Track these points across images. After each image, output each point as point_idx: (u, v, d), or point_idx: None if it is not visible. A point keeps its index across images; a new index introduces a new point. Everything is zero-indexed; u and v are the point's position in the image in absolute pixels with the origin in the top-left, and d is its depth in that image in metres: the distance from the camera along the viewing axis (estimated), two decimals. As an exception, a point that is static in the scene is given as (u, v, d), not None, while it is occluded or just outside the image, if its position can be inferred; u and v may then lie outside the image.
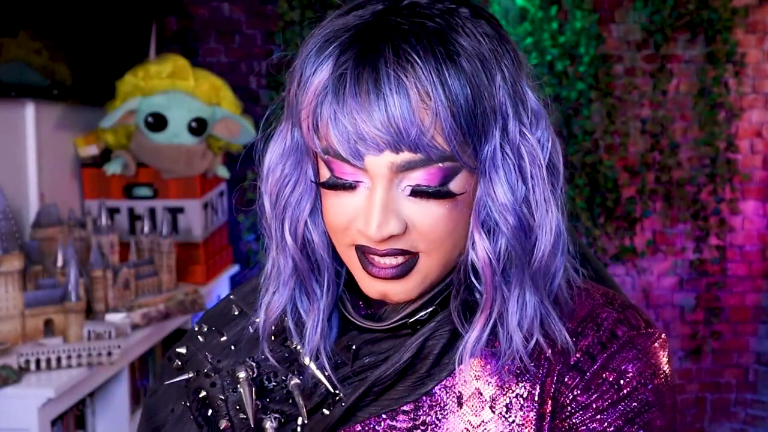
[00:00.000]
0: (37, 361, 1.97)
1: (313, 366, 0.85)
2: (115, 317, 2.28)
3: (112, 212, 2.80)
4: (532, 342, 0.79)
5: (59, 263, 2.23)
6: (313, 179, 0.82)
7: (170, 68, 2.81)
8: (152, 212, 2.82)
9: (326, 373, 0.85)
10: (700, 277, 3.74)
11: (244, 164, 3.60)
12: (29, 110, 2.55)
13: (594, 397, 0.79)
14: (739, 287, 3.75)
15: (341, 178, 0.77)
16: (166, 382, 0.93)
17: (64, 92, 2.70)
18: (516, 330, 0.79)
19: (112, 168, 2.78)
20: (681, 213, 3.71)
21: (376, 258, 0.78)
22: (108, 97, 2.83)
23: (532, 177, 0.78)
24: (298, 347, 0.87)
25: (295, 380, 0.86)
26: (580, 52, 3.51)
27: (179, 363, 0.94)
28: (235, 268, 3.27)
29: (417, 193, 0.75)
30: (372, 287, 0.80)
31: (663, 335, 0.82)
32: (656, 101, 3.64)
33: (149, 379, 2.57)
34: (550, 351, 0.80)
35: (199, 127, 2.79)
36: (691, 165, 3.69)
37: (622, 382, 0.79)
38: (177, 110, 2.76)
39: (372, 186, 0.75)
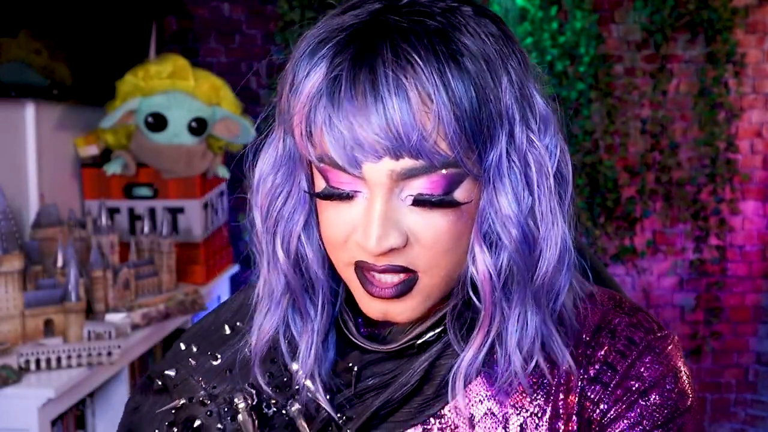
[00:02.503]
0: (37, 361, 1.97)
1: (317, 394, 0.80)
2: (115, 317, 2.28)
3: (112, 212, 2.80)
4: (531, 364, 0.75)
5: (59, 263, 2.23)
6: (306, 190, 0.76)
7: (170, 68, 2.81)
8: (152, 212, 2.82)
9: (328, 396, 0.80)
10: (700, 277, 3.74)
11: (243, 164, 3.60)
12: (29, 110, 2.55)
13: (623, 408, 0.76)
14: (739, 287, 3.75)
15: (337, 188, 0.71)
16: (158, 411, 0.87)
17: (64, 92, 2.70)
18: (515, 351, 0.74)
19: (112, 168, 2.78)
20: (681, 213, 3.71)
21: (375, 275, 0.72)
22: (108, 97, 2.83)
23: (538, 186, 0.72)
24: (299, 372, 0.81)
25: (297, 405, 0.81)
26: (580, 52, 3.51)
27: (159, 383, 0.89)
28: (235, 268, 3.27)
29: (419, 202, 0.70)
30: (372, 307, 0.75)
31: (675, 336, 0.80)
32: (656, 101, 3.64)
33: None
34: (549, 375, 0.77)
35: (199, 127, 2.79)
36: (691, 165, 3.69)
37: (648, 389, 0.76)
38: (177, 110, 2.75)
39: (371, 196, 0.70)
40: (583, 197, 3.60)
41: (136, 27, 3.20)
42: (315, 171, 0.74)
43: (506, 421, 0.78)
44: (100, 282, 2.31)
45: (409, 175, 0.69)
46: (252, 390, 0.83)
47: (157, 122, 2.74)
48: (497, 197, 0.71)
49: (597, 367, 0.77)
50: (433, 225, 0.70)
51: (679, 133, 3.68)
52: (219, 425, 0.82)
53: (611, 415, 0.76)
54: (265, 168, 0.78)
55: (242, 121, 2.88)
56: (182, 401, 0.85)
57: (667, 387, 0.76)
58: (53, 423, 1.99)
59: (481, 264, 0.72)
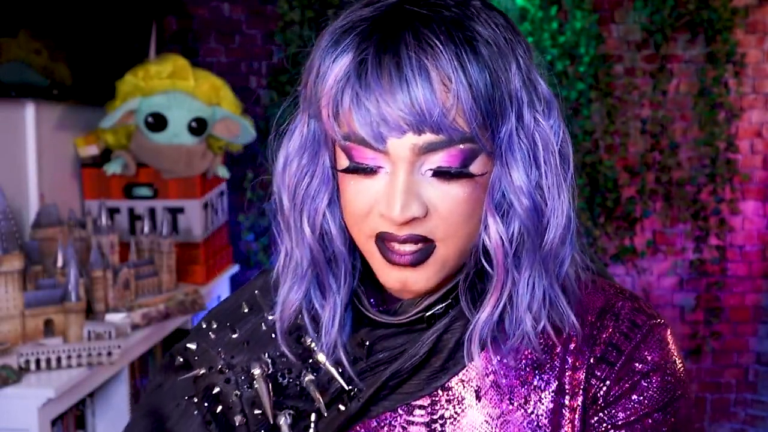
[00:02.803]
0: (37, 361, 1.97)
1: (327, 363, 0.86)
2: (115, 317, 2.28)
3: (112, 212, 2.80)
4: (541, 324, 0.80)
5: (59, 263, 2.23)
6: (330, 170, 0.83)
7: (170, 68, 2.81)
8: (152, 212, 2.82)
9: (340, 369, 0.85)
10: (700, 277, 3.74)
11: (244, 164, 3.61)
12: (29, 110, 2.55)
13: (627, 387, 0.81)
14: (739, 287, 3.75)
15: (362, 163, 0.77)
16: (180, 378, 0.93)
17: (64, 92, 2.70)
18: (526, 312, 0.80)
19: (112, 168, 2.78)
20: (681, 213, 3.71)
21: (396, 245, 0.78)
22: (108, 97, 2.83)
23: (545, 162, 0.79)
24: (312, 344, 0.87)
25: (310, 376, 0.87)
26: (580, 52, 3.51)
27: (181, 360, 0.94)
28: (235, 268, 3.27)
29: (439, 174, 0.76)
30: (392, 277, 0.80)
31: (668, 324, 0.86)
32: (656, 101, 3.64)
33: (149, 379, 2.57)
34: (556, 338, 0.82)
35: (199, 127, 2.79)
36: (691, 165, 3.69)
37: (650, 372, 0.81)
38: (177, 110, 2.75)
39: (393, 170, 0.76)
40: (583, 197, 3.60)
41: (136, 27, 3.20)
42: (338, 151, 0.80)
43: (511, 393, 0.83)
44: (100, 282, 2.31)
45: (430, 149, 0.75)
46: (268, 360, 0.89)
47: (157, 122, 2.74)
48: (509, 171, 0.78)
49: (602, 347, 0.83)
50: (450, 196, 0.77)
51: (679, 133, 3.68)
52: (236, 392, 0.89)
53: (615, 392, 0.81)
54: (291, 151, 0.84)
55: (242, 121, 2.88)
56: (202, 371, 0.92)
57: (668, 372, 0.82)
58: (53, 423, 1.99)
59: (494, 232, 0.78)
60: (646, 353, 0.82)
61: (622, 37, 3.65)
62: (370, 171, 0.77)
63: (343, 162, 0.79)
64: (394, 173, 0.76)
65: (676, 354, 0.83)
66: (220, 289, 3.08)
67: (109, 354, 2.05)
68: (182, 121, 2.76)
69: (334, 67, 0.76)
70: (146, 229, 2.64)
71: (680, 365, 0.83)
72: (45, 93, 2.61)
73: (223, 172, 2.99)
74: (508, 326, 0.81)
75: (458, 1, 0.77)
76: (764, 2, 3.59)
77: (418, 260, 0.78)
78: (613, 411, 0.81)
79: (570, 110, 3.58)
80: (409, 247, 0.78)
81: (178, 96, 2.76)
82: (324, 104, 0.77)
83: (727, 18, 3.54)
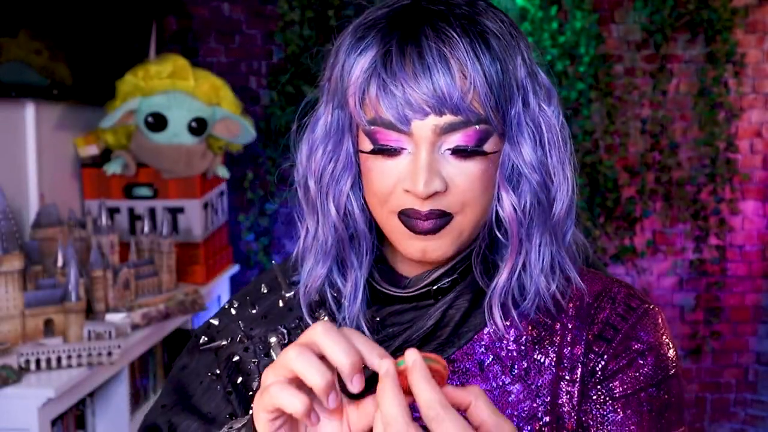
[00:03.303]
0: (37, 361, 1.97)
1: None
2: (115, 317, 2.28)
3: (112, 212, 2.80)
4: (553, 286, 0.88)
5: (59, 263, 2.23)
6: (353, 155, 0.90)
7: (170, 68, 2.81)
8: (152, 212, 2.82)
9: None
10: (700, 277, 3.74)
11: (244, 164, 3.61)
12: (29, 110, 2.55)
13: (624, 364, 0.86)
14: (739, 287, 3.75)
15: (386, 145, 0.84)
16: (203, 347, 1.00)
17: (64, 92, 2.70)
18: (539, 275, 0.88)
19: (112, 168, 2.78)
20: (681, 213, 3.71)
21: (418, 221, 0.85)
22: (108, 97, 2.83)
23: (549, 143, 0.87)
24: (325, 318, 0.93)
25: None
26: (580, 52, 3.51)
27: (205, 338, 1.01)
28: (235, 268, 3.27)
29: (457, 152, 0.83)
30: (413, 246, 0.87)
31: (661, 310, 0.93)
32: (656, 101, 3.64)
33: (149, 379, 2.57)
34: (564, 302, 0.89)
35: (199, 127, 2.79)
36: (691, 165, 3.69)
37: (646, 351, 0.87)
38: (177, 110, 2.75)
39: (416, 150, 0.83)
40: (583, 197, 3.60)
41: (136, 27, 3.20)
42: (362, 136, 0.88)
43: (513, 365, 0.88)
44: (100, 282, 2.31)
45: (450, 129, 0.83)
46: (284, 330, 0.96)
47: (157, 122, 2.74)
48: (520, 148, 0.86)
49: (600, 326, 0.88)
50: (468, 172, 0.84)
51: (679, 133, 3.68)
52: (254, 359, 0.95)
53: (612, 367, 0.87)
54: (316, 139, 0.92)
55: (242, 121, 2.88)
56: (224, 342, 0.99)
57: (662, 352, 0.88)
58: (53, 423, 1.99)
59: (508, 204, 0.87)
60: (642, 333, 0.88)
61: (622, 37, 3.65)
62: (393, 152, 0.85)
63: (367, 146, 0.87)
64: (416, 153, 0.83)
65: (669, 337, 0.90)
66: (220, 289, 3.08)
67: (109, 354, 2.05)
68: (182, 121, 2.76)
69: (360, 60, 0.84)
70: (146, 229, 2.64)
71: (672, 348, 0.90)
72: (45, 93, 2.61)
73: (223, 172, 2.99)
74: (523, 289, 0.88)
75: (467, 0, 0.86)
76: (764, 2, 3.59)
77: (437, 226, 0.85)
78: (611, 384, 0.86)
79: (570, 110, 3.58)
80: (430, 220, 0.85)
81: (178, 96, 2.76)
82: (351, 93, 0.85)
83: (727, 18, 3.54)
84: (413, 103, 0.81)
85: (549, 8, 3.49)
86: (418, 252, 0.87)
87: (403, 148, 0.84)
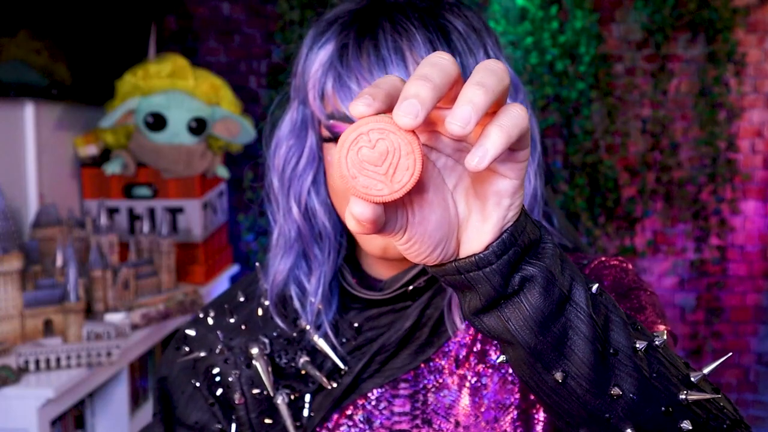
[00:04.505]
0: (37, 362, 1.97)
1: (321, 342, 0.90)
2: (114, 317, 2.28)
3: (112, 212, 2.80)
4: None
5: (58, 263, 2.23)
6: (315, 151, 0.89)
7: (170, 68, 2.80)
8: (152, 212, 2.82)
9: (332, 347, 0.90)
10: (701, 277, 3.73)
11: (244, 164, 3.60)
12: (29, 110, 2.55)
13: (593, 277, 0.87)
14: (740, 287, 3.74)
15: None
16: (179, 360, 0.98)
17: (63, 92, 2.69)
18: None
19: (112, 168, 2.77)
20: (681, 213, 3.70)
21: None
22: (107, 97, 2.82)
23: None
24: (307, 326, 0.92)
25: (305, 357, 0.91)
26: (580, 52, 3.51)
27: (186, 348, 0.99)
28: (235, 268, 3.27)
29: None
30: (371, 243, 0.86)
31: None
32: (657, 101, 3.64)
33: (149, 379, 2.56)
34: None
35: (198, 126, 2.78)
36: (692, 165, 3.68)
37: (613, 266, 0.89)
38: (176, 110, 2.75)
39: None
40: (584, 197, 3.59)
41: (135, 27, 3.20)
42: (323, 130, 0.87)
43: (486, 355, 0.88)
44: (100, 282, 2.30)
45: None
46: (265, 340, 0.93)
47: (157, 122, 2.74)
48: None
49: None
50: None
51: (680, 132, 3.67)
52: (235, 371, 0.93)
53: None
54: (281, 135, 0.92)
55: (242, 120, 2.87)
56: (202, 353, 0.96)
57: (630, 269, 0.89)
58: (53, 423, 1.98)
59: None
60: (602, 268, 0.89)
61: (623, 37, 3.64)
62: None
63: (328, 135, 0.86)
64: None
65: (633, 264, 0.91)
66: (219, 288, 3.08)
67: (109, 354, 2.04)
68: (182, 121, 2.76)
69: (319, 53, 0.84)
70: (146, 229, 2.64)
71: (635, 270, 0.91)
72: (44, 93, 2.60)
73: (222, 172, 2.99)
74: None
75: None
76: (765, 2, 3.59)
77: None
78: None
79: (570, 110, 3.57)
80: None
81: (177, 96, 2.76)
82: (310, 87, 0.85)
83: (728, 17, 3.54)
84: None
85: (549, 8, 3.48)
86: (378, 249, 0.86)
87: None
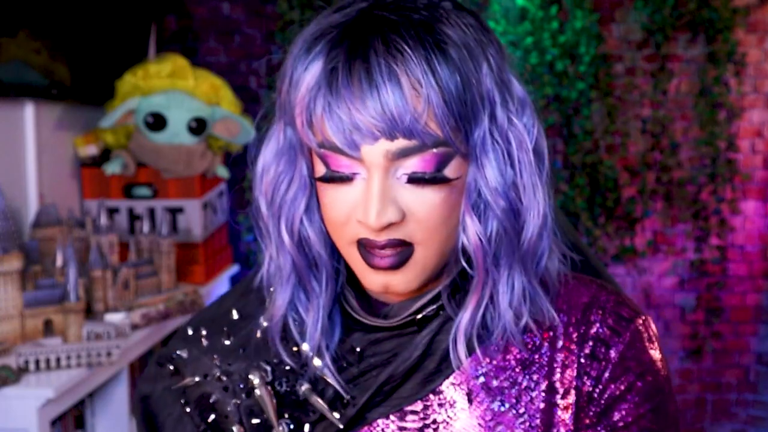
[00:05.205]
0: (37, 362, 1.97)
1: (326, 371, 0.85)
2: (114, 317, 2.28)
3: (112, 212, 2.80)
4: (523, 321, 0.81)
5: (58, 263, 2.23)
6: (307, 176, 0.83)
7: (170, 68, 2.80)
8: (152, 212, 2.82)
9: (336, 377, 0.85)
10: (701, 277, 3.73)
11: (243, 164, 3.60)
12: (29, 110, 2.55)
13: (623, 389, 0.81)
14: (740, 287, 3.74)
15: (338, 171, 0.77)
16: (173, 387, 0.92)
17: (63, 92, 2.69)
18: (507, 310, 0.81)
19: (112, 168, 2.77)
20: (681, 213, 3.70)
21: (376, 251, 0.78)
22: (107, 97, 2.82)
23: (519, 162, 0.79)
24: (309, 353, 0.86)
25: (306, 385, 0.86)
26: (580, 52, 3.51)
27: (171, 368, 0.93)
28: (235, 268, 3.27)
29: (414, 180, 0.76)
30: (374, 280, 0.80)
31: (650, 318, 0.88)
32: (657, 101, 3.64)
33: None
34: (539, 333, 0.83)
35: (198, 126, 2.78)
36: (692, 165, 3.68)
37: (644, 372, 0.82)
38: (176, 110, 2.75)
39: (368, 176, 0.76)
40: (584, 197, 3.59)
41: (135, 27, 3.20)
42: (315, 157, 0.80)
43: (502, 394, 0.83)
44: (100, 282, 2.30)
45: (404, 154, 0.75)
46: (267, 367, 0.88)
47: (157, 122, 2.74)
48: (484, 171, 0.78)
49: (591, 344, 0.83)
50: (426, 200, 0.77)
51: (680, 132, 3.67)
52: (235, 400, 0.88)
53: (612, 393, 0.81)
54: (267, 158, 0.85)
55: (242, 120, 2.87)
56: (196, 379, 0.90)
57: (656, 369, 0.83)
58: (53, 423, 1.98)
59: (472, 233, 0.79)
60: (638, 353, 0.82)
61: (623, 37, 3.64)
62: (346, 179, 0.77)
63: (320, 169, 0.79)
64: (369, 179, 0.76)
65: (660, 349, 0.85)
66: (219, 289, 3.08)
67: (109, 354, 2.04)
68: (182, 121, 2.76)
69: (305, 76, 0.76)
70: (146, 229, 2.64)
71: (663, 360, 0.85)
72: (44, 93, 2.60)
73: (222, 172, 2.99)
74: (491, 325, 0.82)
75: (427, 4, 0.77)
76: (765, 2, 3.59)
77: (398, 262, 0.78)
78: (611, 415, 0.81)
79: (570, 110, 3.57)
80: (389, 251, 0.78)
81: (177, 96, 2.76)
82: (298, 113, 0.78)
83: (728, 17, 3.53)
84: (361, 126, 0.73)
85: (549, 8, 3.48)
86: (380, 286, 0.80)
87: (356, 173, 0.77)
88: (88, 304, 2.27)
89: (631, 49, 3.64)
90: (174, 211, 2.84)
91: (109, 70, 2.86)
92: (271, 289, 0.88)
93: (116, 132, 2.78)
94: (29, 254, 2.25)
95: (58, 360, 1.99)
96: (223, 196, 3.17)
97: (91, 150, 2.83)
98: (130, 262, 2.44)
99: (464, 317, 0.81)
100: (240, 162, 3.56)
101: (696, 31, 3.60)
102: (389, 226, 0.76)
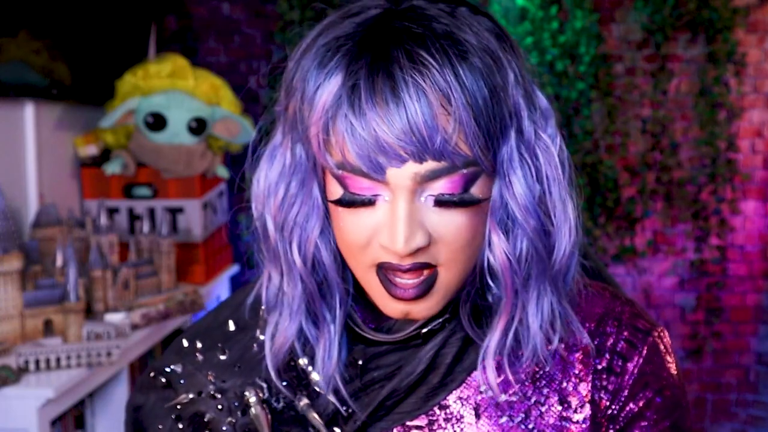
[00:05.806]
0: (37, 362, 1.97)
1: (323, 385, 0.82)
2: (114, 317, 2.28)
3: (112, 212, 2.80)
4: (554, 344, 0.78)
5: (58, 263, 2.23)
6: (320, 198, 0.77)
7: (170, 68, 2.80)
8: (152, 212, 2.82)
9: (336, 391, 0.81)
10: (701, 277, 3.73)
11: (243, 164, 3.60)
12: (29, 110, 2.55)
13: (642, 405, 0.79)
14: (740, 287, 3.74)
15: (358, 194, 0.72)
16: (166, 406, 0.88)
17: (63, 92, 2.69)
18: (538, 333, 0.77)
19: (112, 168, 2.77)
20: (681, 213, 3.70)
21: (398, 276, 0.74)
22: (107, 97, 2.82)
23: (547, 177, 0.75)
24: (308, 367, 0.83)
25: (305, 401, 0.83)
26: (580, 52, 3.51)
27: (163, 380, 0.90)
28: (234, 268, 3.27)
29: (441, 203, 0.72)
30: (394, 308, 0.76)
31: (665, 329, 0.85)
32: (657, 101, 3.64)
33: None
34: (567, 353, 0.80)
35: (198, 126, 2.78)
36: (692, 165, 3.68)
37: (663, 388, 0.80)
38: (176, 110, 2.75)
39: (393, 198, 0.71)
40: (584, 197, 3.58)
41: (135, 27, 3.20)
42: (329, 178, 0.75)
43: (511, 409, 0.79)
44: (100, 282, 2.30)
45: (432, 176, 0.70)
46: (263, 384, 0.84)
47: (157, 122, 2.74)
48: (513, 189, 0.74)
49: (608, 357, 0.80)
50: (454, 222, 0.72)
51: (680, 132, 3.67)
52: (230, 419, 0.84)
53: (631, 410, 0.79)
54: (273, 177, 0.79)
55: (242, 120, 2.87)
56: (190, 396, 0.86)
57: (673, 383, 0.81)
58: (53, 423, 1.98)
59: (499, 251, 0.75)
60: (657, 369, 0.80)
61: (623, 37, 3.64)
62: (367, 202, 0.72)
63: (337, 191, 0.74)
64: (394, 202, 0.71)
65: (675, 361, 0.82)
66: (219, 289, 3.08)
67: (109, 354, 2.04)
68: (182, 121, 2.76)
69: (321, 93, 0.70)
70: (146, 228, 2.64)
71: (678, 373, 0.83)
72: (44, 93, 2.60)
73: (222, 172, 2.99)
74: (520, 346, 0.78)
75: (446, 10, 0.72)
76: (765, 2, 3.59)
77: (422, 292, 0.74)
78: (628, 430, 0.80)
79: (570, 110, 3.57)
80: (412, 279, 0.74)
81: (177, 96, 2.76)
82: (314, 133, 0.71)
83: (728, 17, 3.53)
84: (387, 148, 0.68)
85: (549, 8, 3.48)
86: (400, 314, 0.76)
87: (377, 195, 0.72)
88: (88, 304, 2.27)
89: (631, 49, 3.64)
90: (174, 211, 2.84)
91: (109, 70, 2.86)
92: (274, 318, 0.84)
93: (116, 132, 2.78)
94: (29, 254, 2.25)
95: (58, 360, 1.99)
96: (223, 196, 3.17)
97: (91, 150, 2.83)
98: (130, 262, 2.44)
99: (492, 342, 0.77)
100: (240, 162, 3.56)
101: (696, 31, 3.60)
102: (416, 251, 0.72)
